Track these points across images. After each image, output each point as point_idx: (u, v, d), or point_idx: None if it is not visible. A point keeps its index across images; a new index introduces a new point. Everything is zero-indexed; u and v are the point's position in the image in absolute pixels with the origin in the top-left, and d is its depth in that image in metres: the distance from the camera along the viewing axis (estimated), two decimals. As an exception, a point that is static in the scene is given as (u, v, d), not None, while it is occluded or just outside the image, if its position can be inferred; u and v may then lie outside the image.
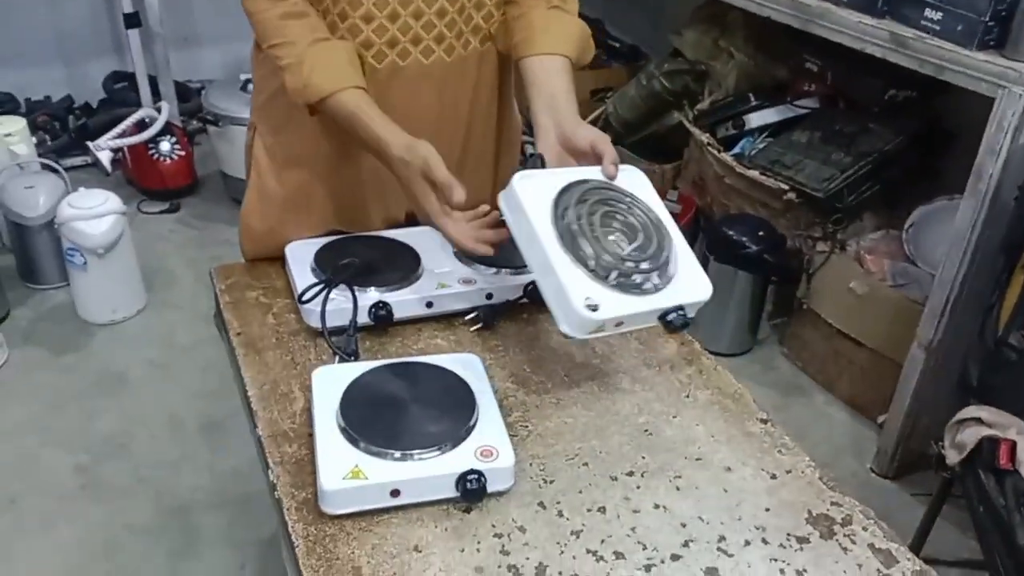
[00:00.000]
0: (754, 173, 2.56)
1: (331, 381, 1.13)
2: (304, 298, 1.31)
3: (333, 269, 1.34)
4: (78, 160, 3.58)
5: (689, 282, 1.14)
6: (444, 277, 1.36)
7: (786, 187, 2.50)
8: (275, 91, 1.38)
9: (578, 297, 1.04)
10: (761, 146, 2.67)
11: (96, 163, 3.36)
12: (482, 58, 1.44)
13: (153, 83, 3.65)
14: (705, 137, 2.72)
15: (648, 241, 1.12)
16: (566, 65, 1.34)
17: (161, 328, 2.77)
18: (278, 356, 1.30)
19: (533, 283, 1.30)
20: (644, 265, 1.10)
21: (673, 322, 1.10)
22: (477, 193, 1.44)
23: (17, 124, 2.93)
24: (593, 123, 3.19)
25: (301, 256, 1.42)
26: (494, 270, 1.38)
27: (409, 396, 1.12)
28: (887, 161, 2.48)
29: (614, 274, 1.07)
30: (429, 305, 1.34)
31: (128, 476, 2.23)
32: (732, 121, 2.69)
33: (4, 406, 2.44)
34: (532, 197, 1.10)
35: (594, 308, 1.04)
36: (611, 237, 1.10)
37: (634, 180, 1.21)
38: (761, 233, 2.53)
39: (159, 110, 3.40)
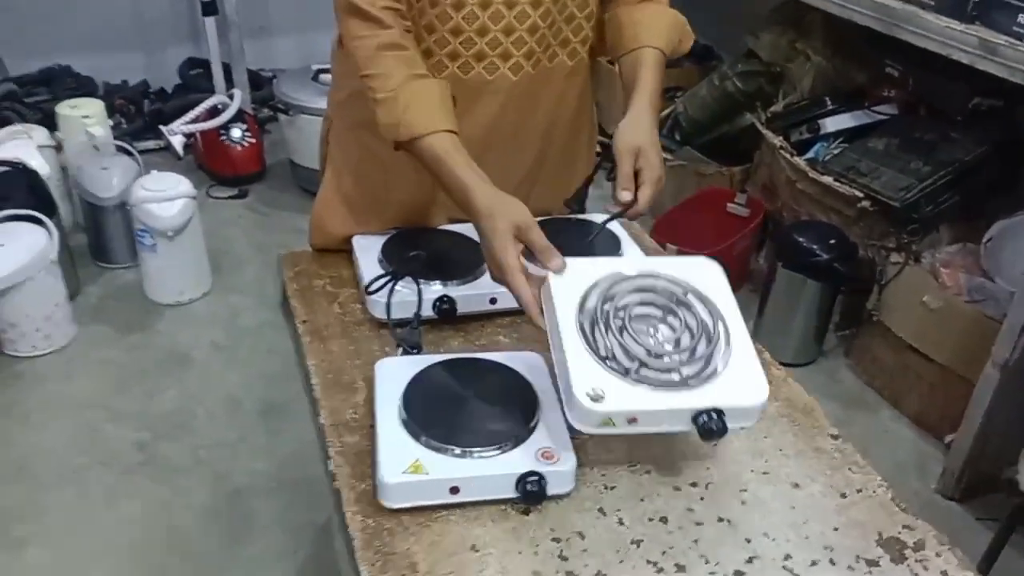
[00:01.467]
0: (828, 179, 2.50)
1: (394, 374, 1.13)
2: (370, 289, 1.31)
3: (399, 262, 1.34)
4: (151, 144, 3.65)
5: (739, 382, 1.00)
6: None
7: (861, 195, 2.43)
8: (356, 90, 1.38)
9: (581, 384, 0.96)
10: (836, 151, 2.60)
11: (168, 147, 3.43)
12: (570, 71, 1.43)
13: (227, 71, 3.71)
14: (778, 140, 2.66)
15: (692, 336, 1.03)
16: (655, 58, 1.32)
17: (225, 311, 2.81)
18: (342, 345, 1.31)
19: None
20: (675, 359, 1.00)
21: (705, 426, 0.96)
22: (546, 203, 1.46)
23: (95, 106, 3.00)
24: (662, 122, 3.16)
25: (368, 248, 1.43)
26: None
27: (471, 393, 1.11)
28: (968, 172, 2.39)
29: (635, 366, 0.98)
30: (493, 301, 1.34)
31: (187, 455, 2.26)
32: (807, 125, 2.63)
33: (71, 381, 2.50)
34: (564, 290, 1.05)
35: (597, 399, 0.95)
36: (647, 330, 1.03)
37: (705, 272, 1.11)
38: (833, 241, 2.47)
39: (231, 97, 3.45)
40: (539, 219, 1.11)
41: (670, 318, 1.04)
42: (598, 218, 1.48)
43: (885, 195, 2.37)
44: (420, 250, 1.37)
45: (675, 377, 0.99)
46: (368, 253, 1.41)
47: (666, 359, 1.00)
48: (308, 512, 2.07)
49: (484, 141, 1.36)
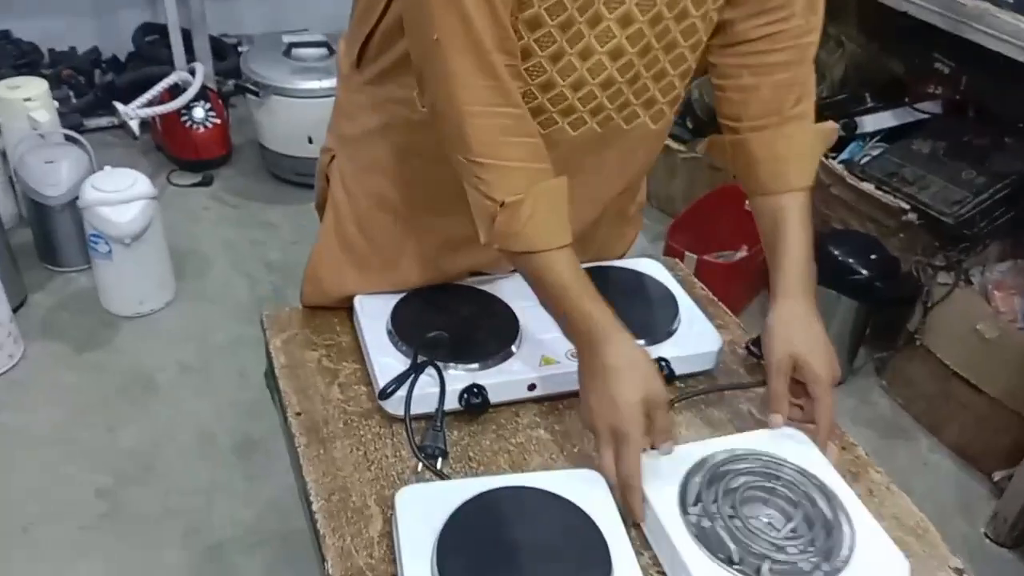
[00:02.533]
0: (868, 186, 2.26)
1: (422, 511, 0.90)
2: (387, 392, 1.06)
3: (418, 345, 1.08)
4: (103, 121, 3.31)
5: (877, 565, 0.88)
6: (549, 347, 1.13)
7: (906, 206, 2.20)
8: (375, 128, 1.13)
9: None
10: (874, 153, 2.35)
11: (123, 125, 3.08)
12: (652, 135, 1.14)
13: (187, 38, 3.34)
14: (809, 139, 2.40)
15: (809, 519, 0.91)
16: (802, 207, 1.09)
17: (192, 323, 2.52)
18: (347, 450, 1.06)
19: (657, 363, 1.10)
20: (801, 548, 0.88)
21: None
22: (607, 247, 1.32)
23: (38, 87, 2.64)
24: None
25: (374, 313, 1.18)
26: None
27: (525, 539, 0.88)
28: (1025, 184, 2.17)
29: (766, 566, 0.85)
30: (531, 388, 1.11)
31: (155, 504, 1.99)
32: (843, 122, 2.37)
33: (21, 411, 2.20)
34: (654, 482, 0.93)
35: None
36: (759, 519, 0.92)
37: (789, 440, 1.01)
38: (873, 256, 2.24)
39: (192, 72, 3.10)
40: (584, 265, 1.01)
41: (777, 499, 0.95)
42: (648, 266, 1.33)
43: (936, 209, 2.14)
44: (439, 317, 1.14)
45: (805, 567, 0.86)
46: (374, 321, 1.16)
47: (790, 550, 0.88)
48: (294, 571, 1.83)
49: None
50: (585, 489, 0.94)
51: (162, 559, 1.87)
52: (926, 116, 2.36)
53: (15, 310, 2.39)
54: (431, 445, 1.02)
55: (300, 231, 2.86)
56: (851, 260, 2.25)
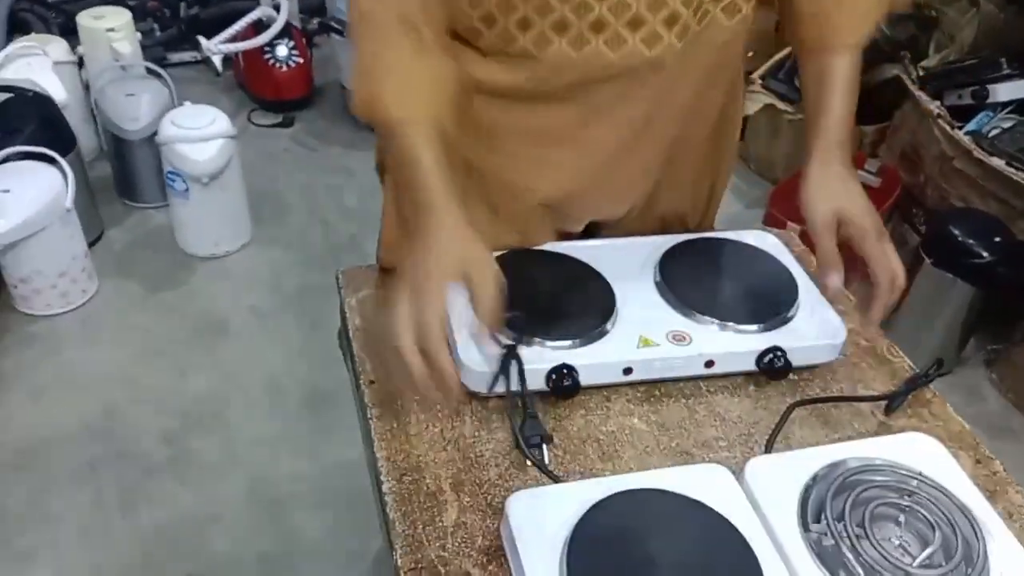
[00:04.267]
0: (998, 162, 2.04)
1: (538, 518, 0.79)
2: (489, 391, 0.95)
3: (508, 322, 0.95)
4: (187, 55, 3.25)
5: None
6: (648, 327, 1.00)
7: (1041, 187, 1.99)
8: None
9: None
10: (1006, 125, 2.13)
11: (207, 60, 3.02)
12: (727, 38, 0.99)
13: (273, -28, 3.25)
14: (934, 106, 2.19)
15: (948, 546, 0.79)
16: (848, 67, 0.99)
17: (267, 268, 2.46)
18: (423, 426, 0.96)
19: (769, 353, 0.99)
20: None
21: None
22: (676, 204, 1.19)
23: (122, 18, 2.58)
24: (779, 64, 2.69)
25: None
26: (717, 324, 1.01)
27: (662, 551, 0.76)
28: None
29: None
30: (627, 372, 0.98)
31: (220, 452, 1.95)
32: (972, 89, 2.15)
33: (92, 349, 2.18)
34: (769, 492, 0.82)
35: None
36: (891, 541, 0.80)
37: (921, 449, 0.89)
38: (997, 239, 2.03)
39: (277, 8, 3.01)
40: (675, 235, 1.05)
41: (912, 518, 0.81)
42: (761, 239, 1.18)
43: (1077, 192, 1.93)
44: (526, 287, 0.99)
45: None
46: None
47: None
48: (357, 537, 1.76)
49: (601, 140, 1.03)
50: (710, 480, 0.83)
51: (223, 511, 1.83)
52: (1069, 87, 2.13)
53: (91, 244, 2.36)
54: (531, 432, 0.92)
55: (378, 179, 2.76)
56: (971, 241, 2.05)
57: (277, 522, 1.81)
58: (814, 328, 1.04)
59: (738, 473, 0.85)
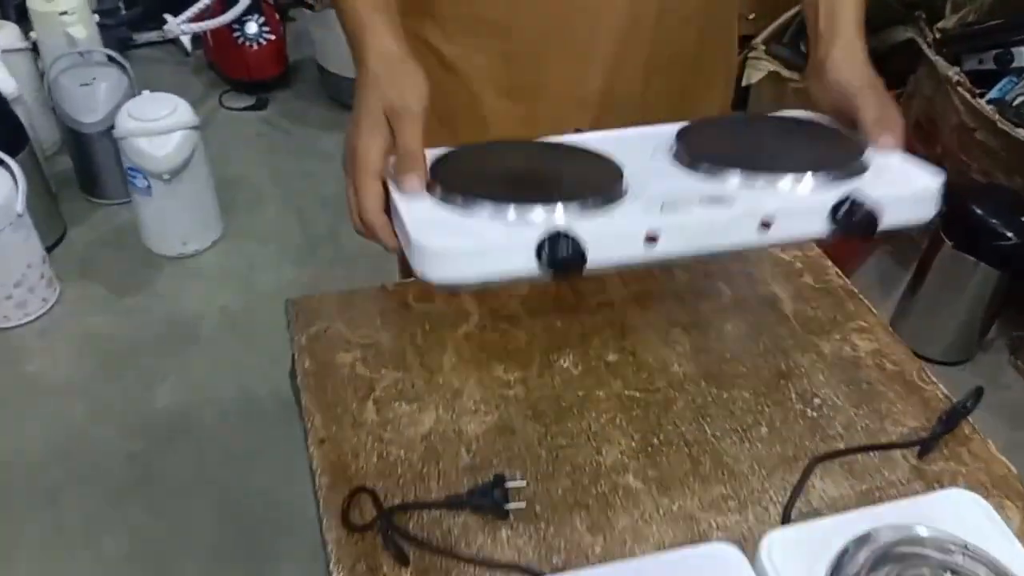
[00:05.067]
0: (1024, 133, 1.88)
1: None
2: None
3: (473, 181, 0.73)
4: (154, 35, 3.06)
5: None
6: (670, 193, 0.71)
7: (1072, 161, 1.82)
8: None
9: None
10: (1032, 93, 1.96)
11: (176, 40, 2.84)
12: None
13: (243, -59, 3.05)
14: (953, 72, 2.01)
15: None
16: None
17: (240, 265, 2.31)
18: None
19: (849, 204, 0.70)
20: None
21: None
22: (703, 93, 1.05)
23: (76, 0, 2.40)
24: (785, 26, 2.51)
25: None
26: (768, 178, 0.73)
27: None
28: None
29: None
30: (652, 240, 0.67)
31: (190, 471, 1.82)
32: (996, 53, 1.97)
33: (53, 359, 2.04)
34: (791, 565, 0.67)
35: None
36: None
37: (965, 510, 0.74)
38: (1023, 218, 1.88)
39: (246, -18, 2.82)
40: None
41: None
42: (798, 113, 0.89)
43: (1113, 166, 1.77)
44: (504, 168, 0.78)
45: None
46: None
47: None
48: None
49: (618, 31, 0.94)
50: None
51: (194, 537, 1.70)
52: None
53: (54, 245, 2.22)
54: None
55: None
56: (994, 220, 1.90)
57: (251, 545, 1.69)
58: (899, 174, 0.76)
59: (751, 546, 0.70)
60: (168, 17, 2.71)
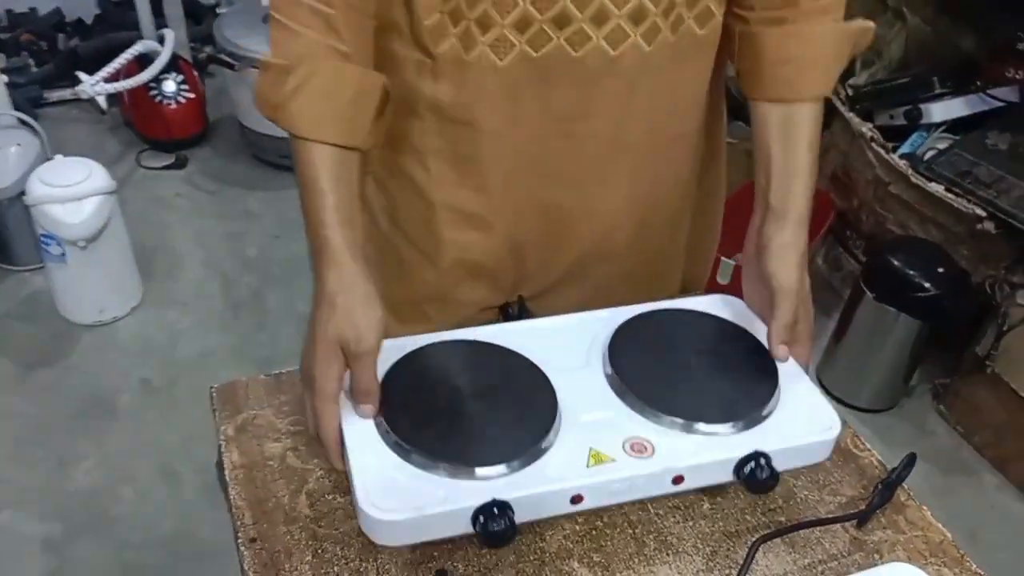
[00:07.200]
0: (937, 187, 1.95)
1: None
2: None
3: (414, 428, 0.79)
4: (67, 93, 2.97)
5: None
6: (598, 436, 0.80)
7: (982, 213, 1.89)
8: None
9: None
10: (941, 146, 2.04)
11: (90, 98, 2.76)
12: (698, 46, 0.91)
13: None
14: (866, 128, 2.08)
15: None
16: (814, 119, 0.91)
17: (160, 334, 2.23)
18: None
19: (751, 460, 0.79)
20: None
21: None
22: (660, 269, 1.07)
23: (-18, 60, 2.32)
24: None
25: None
26: (680, 423, 0.82)
27: None
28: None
29: None
30: (576, 500, 0.78)
31: (110, 560, 1.72)
32: (905, 110, 2.05)
33: (-42, 442, 1.93)
34: None
35: None
36: None
37: None
38: (940, 269, 1.93)
39: (162, 40, 2.76)
40: (640, 308, 0.92)
41: None
42: (727, 307, 0.97)
43: (1020, 218, 1.84)
44: (442, 393, 0.83)
45: None
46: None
47: None
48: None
49: (564, 152, 0.92)
50: None
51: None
52: (1002, 104, 2.04)
53: (-43, 320, 2.11)
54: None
55: (283, 222, 2.56)
56: (912, 272, 1.95)
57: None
58: (802, 422, 0.85)
59: None
60: (82, 76, 2.62)
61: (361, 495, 0.73)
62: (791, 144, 0.90)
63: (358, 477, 0.75)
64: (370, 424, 0.79)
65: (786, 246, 0.89)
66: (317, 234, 0.81)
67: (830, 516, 0.87)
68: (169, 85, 2.74)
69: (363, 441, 0.78)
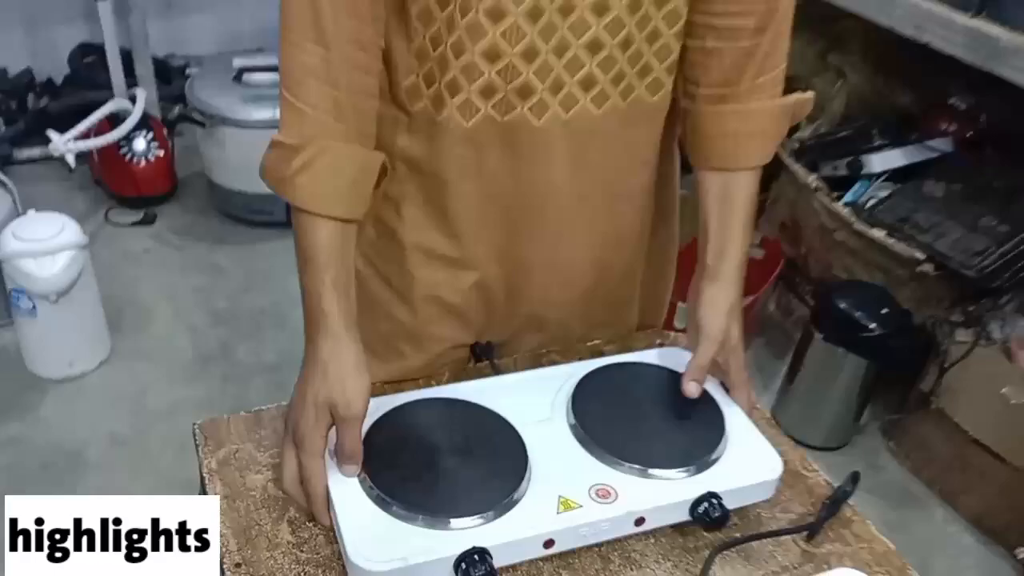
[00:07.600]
0: (879, 234, 2.06)
1: None
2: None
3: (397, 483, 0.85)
4: (36, 151, 3.01)
5: None
6: (567, 485, 0.88)
7: (921, 256, 2.00)
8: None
9: None
10: (882, 194, 2.16)
11: (60, 156, 2.80)
12: (649, 112, 0.97)
13: (128, 59, 3.06)
14: (812, 179, 2.20)
15: None
16: (750, 187, 0.99)
17: (129, 387, 2.24)
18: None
19: (705, 500, 0.88)
20: None
21: None
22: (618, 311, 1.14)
23: (-47, 119, 2.36)
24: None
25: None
26: (638, 469, 0.90)
27: None
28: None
29: None
30: (549, 544, 0.85)
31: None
32: (847, 161, 2.17)
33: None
34: None
35: None
36: None
37: None
38: (885, 311, 2.03)
39: (133, 99, 2.82)
40: (599, 362, 1.02)
41: None
42: (678, 360, 1.04)
43: (956, 260, 1.95)
44: (420, 451, 0.89)
45: None
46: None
47: None
48: None
49: (530, 213, 0.99)
50: None
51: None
52: (937, 154, 2.17)
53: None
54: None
55: (251, 276, 2.60)
56: (858, 314, 2.04)
57: None
58: (748, 464, 0.94)
59: None
60: (53, 135, 2.67)
61: (351, 548, 0.79)
62: (727, 211, 0.97)
63: (347, 531, 0.81)
64: (354, 480, 0.85)
65: (715, 299, 0.98)
66: (314, 305, 0.86)
67: (783, 528, 0.93)
68: (139, 143, 2.79)
69: (349, 496, 0.84)
